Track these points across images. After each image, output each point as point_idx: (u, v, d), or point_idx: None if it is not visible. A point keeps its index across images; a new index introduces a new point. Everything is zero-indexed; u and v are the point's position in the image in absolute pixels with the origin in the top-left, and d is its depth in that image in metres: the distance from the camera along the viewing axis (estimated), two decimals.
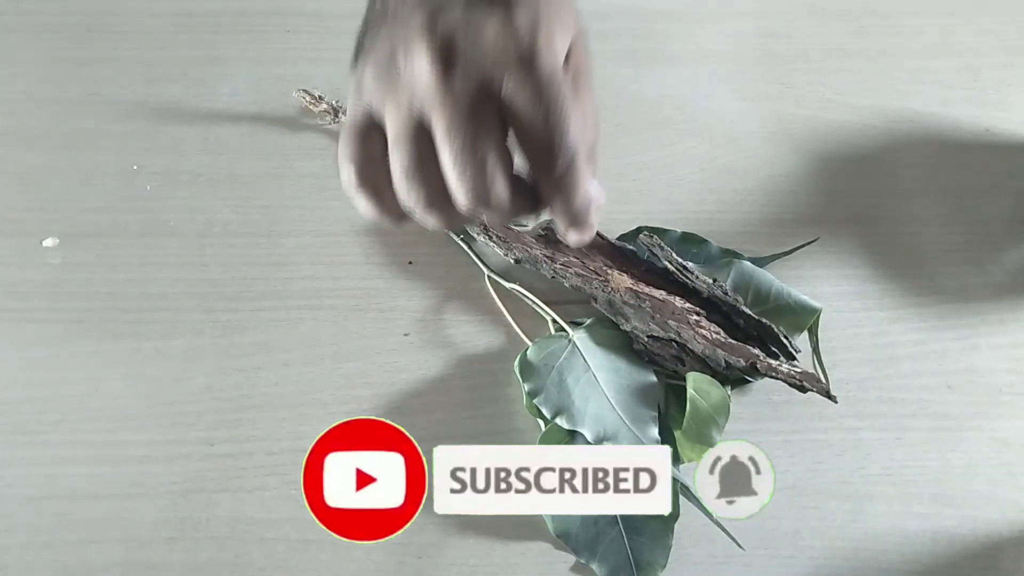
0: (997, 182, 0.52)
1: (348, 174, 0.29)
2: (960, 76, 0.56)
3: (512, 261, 0.45)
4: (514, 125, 0.27)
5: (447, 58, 0.26)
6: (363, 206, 0.30)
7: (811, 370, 0.43)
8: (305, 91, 0.52)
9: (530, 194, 0.29)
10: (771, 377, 0.41)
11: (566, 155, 0.27)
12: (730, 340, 0.42)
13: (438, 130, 0.27)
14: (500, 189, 0.27)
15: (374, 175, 0.29)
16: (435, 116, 0.27)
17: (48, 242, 0.47)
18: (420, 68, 0.26)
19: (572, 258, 0.44)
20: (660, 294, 0.43)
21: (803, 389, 0.41)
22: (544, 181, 0.28)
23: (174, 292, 0.46)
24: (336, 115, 0.51)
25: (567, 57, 0.28)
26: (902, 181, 0.51)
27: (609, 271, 0.44)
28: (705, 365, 0.41)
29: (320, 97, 0.51)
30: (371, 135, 0.29)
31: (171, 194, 0.49)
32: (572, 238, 0.30)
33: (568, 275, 0.43)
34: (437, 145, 0.27)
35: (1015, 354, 0.45)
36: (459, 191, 0.27)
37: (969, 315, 0.46)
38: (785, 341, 0.42)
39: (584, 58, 0.29)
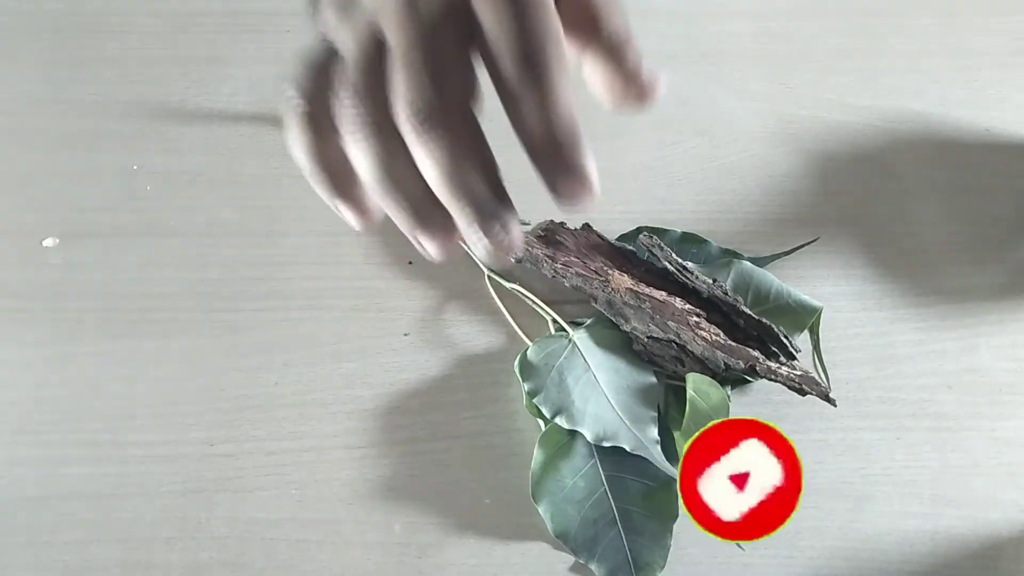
0: (997, 182, 0.52)
1: (297, 109, 0.28)
2: (960, 76, 0.56)
3: (513, 260, 0.45)
4: (482, 33, 0.24)
5: None
6: (303, 154, 0.28)
7: (811, 369, 0.43)
8: None
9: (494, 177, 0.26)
10: (770, 380, 0.41)
11: (535, 46, 0.24)
12: (729, 342, 0.42)
13: (397, 48, 0.24)
14: (452, 91, 0.24)
15: (328, 130, 0.27)
16: (392, 35, 0.25)
17: (48, 242, 0.47)
18: None
19: (572, 258, 0.44)
20: (660, 295, 0.43)
21: (802, 392, 0.41)
22: (516, 87, 0.24)
23: (174, 292, 0.46)
24: None
25: None
26: (902, 181, 0.51)
27: (609, 271, 0.44)
28: (704, 366, 0.41)
29: None
30: (329, 64, 0.27)
31: (171, 194, 0.49)
32: (563, 189, 0.25)
33: (568, 275, 0.43)
34: (391, 63, 0.25)
35: (1015, 354, 0.45)
36: (402, 102, 0.24)
37: (969, 315, 0.46)
38: (785, 341, 0.42)
39: None
